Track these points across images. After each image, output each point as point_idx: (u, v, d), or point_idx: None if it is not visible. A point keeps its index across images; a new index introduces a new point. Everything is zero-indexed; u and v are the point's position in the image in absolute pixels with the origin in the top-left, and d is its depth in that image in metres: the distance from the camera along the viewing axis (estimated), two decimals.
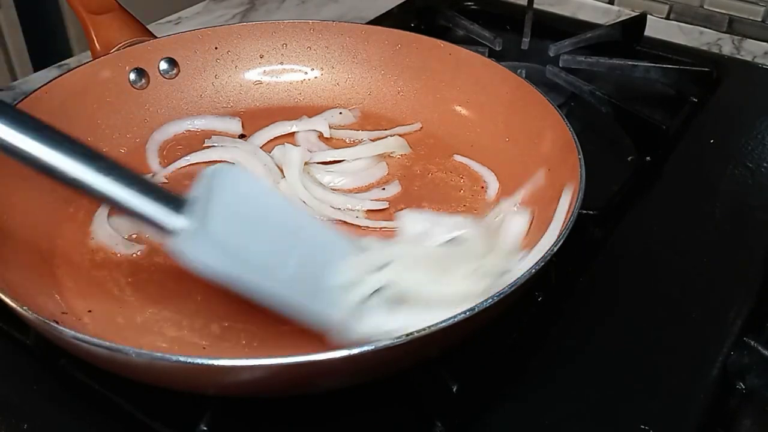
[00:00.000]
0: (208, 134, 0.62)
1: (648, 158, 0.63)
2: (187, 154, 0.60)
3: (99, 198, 0.39)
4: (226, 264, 0.39)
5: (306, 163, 0.59)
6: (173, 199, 0.40)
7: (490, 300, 0.37)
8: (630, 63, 0.74)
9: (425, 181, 0.58)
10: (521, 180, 0.54)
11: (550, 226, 0.46)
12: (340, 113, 0.65)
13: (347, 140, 0.62)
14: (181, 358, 0.34)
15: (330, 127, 0.62)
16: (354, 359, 0.34)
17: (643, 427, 0.41)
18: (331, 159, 0.60)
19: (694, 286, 0.50)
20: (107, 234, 0.52)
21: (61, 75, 0.57)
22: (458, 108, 0.63)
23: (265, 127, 0.63)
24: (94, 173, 0.38)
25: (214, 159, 0.60)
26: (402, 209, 0.54)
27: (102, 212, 0.53)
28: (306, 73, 0.67)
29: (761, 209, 0.57)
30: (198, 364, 0.34)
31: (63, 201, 0.53)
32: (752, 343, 0.44)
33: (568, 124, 0.51)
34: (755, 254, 0.53)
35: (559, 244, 0.40)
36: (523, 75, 0.59)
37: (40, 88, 0.54)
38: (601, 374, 0.44)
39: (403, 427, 0.41)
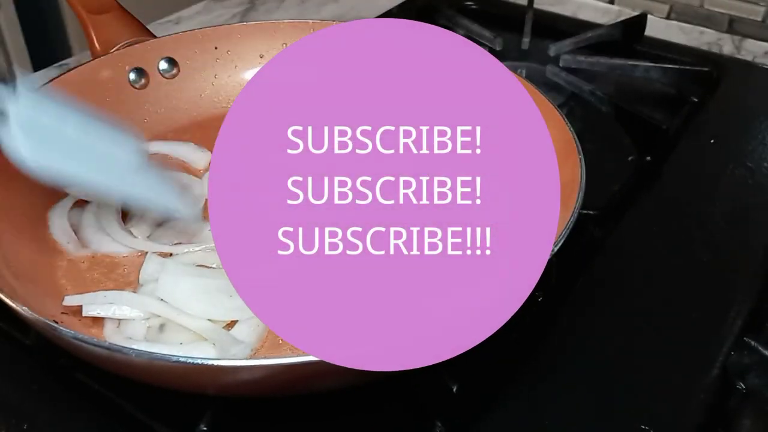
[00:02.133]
0: None
1: (648, 158, 0.63)
2: None
3: None
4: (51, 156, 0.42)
5: None
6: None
7: None
8: (630, 63, 0.74)
9: None
10: None
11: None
12: None
13: None
14: (181, 358, 0.34)
15: None
16: None
17: (643, 427, 0.41)
18: None
19: (694, 286, 0.50)
20: (62, 228, 0.51)
21: (60, 75, 0.57)
22: None
23: None
24: None
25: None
26: None
27: (66, 202, 0.53)
28: None
29: (761, 209, 0.57)
30: (198, 364, 0.34)
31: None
32: (752, 343, 0.44)
33: (569, 124, 0.51)
34: (755, 254, 0.53)
35: (560, 244, 0.40)
36: (523, 75, 0.59)
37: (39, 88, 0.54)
38: (601, 374, 0.44)
39: (403, 427, 0.41)
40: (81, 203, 0.53)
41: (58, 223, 0.51)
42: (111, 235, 0.51)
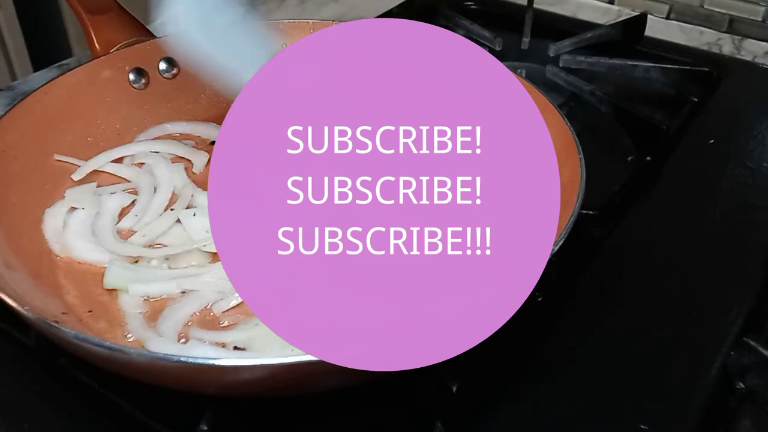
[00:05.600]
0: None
1: (648, 158, 0.63)
2: None
3: None
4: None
5: None
6: None
7: None
8: (630, 63, 0.74)
9: None
10: None
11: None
12: None
13: None
14: (182, 358, 0.34)
15: None
16: None
17: (643, 427, 0.41)
18: None
19: (694, 286, 0.50)
20: (54, 228, 0.51)
21: (61, 75, 0.57)
22: None
23: None
24: None
25: None
26: None
27: (64, 203, 0.53)
28: None
29: (761, 209, 0.57)
30: (198, 364, 0.34)
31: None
32: (752, 343, 0.44)
33: (569, 124, 0.51)
34: (755, 254, 0.53)
35: (560, 244, 0.40)
36: (523, 75, 0.59)
37: (39, 88, 0.54)
38: (601, 374, 0.44)
39: (403, 427, 0.41)
40: None
41: (51, 222, 0.51)
42: (102, 242, 0.50)
